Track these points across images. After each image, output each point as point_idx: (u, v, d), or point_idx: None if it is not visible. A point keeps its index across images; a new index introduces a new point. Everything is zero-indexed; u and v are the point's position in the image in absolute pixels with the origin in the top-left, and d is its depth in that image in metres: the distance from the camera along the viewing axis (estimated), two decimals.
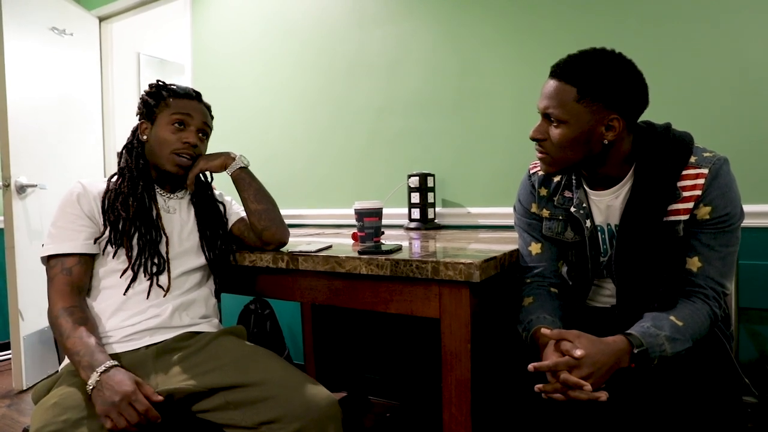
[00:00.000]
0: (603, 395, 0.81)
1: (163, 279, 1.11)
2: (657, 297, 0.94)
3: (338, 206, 2.13)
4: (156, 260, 1.10)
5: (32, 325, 2.30)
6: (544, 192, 1.10)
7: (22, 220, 2.26)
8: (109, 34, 2.87)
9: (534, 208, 1.12)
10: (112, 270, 1.09)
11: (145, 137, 1.16)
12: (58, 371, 1.05)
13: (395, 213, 1.90)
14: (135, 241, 1.09)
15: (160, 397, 0.92)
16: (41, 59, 2.41)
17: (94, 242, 1.07)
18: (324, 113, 2.16)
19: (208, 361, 1.04)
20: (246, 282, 1.29)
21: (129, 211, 1.08)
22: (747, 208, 0.98)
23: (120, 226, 1.08)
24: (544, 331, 0.92)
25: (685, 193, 0.91)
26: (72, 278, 1.04)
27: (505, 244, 1.23)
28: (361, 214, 1.25)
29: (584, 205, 1.02)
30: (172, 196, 1.20)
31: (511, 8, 1.73)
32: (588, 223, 1.02)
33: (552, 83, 0.93)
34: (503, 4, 1.74)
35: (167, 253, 1.13)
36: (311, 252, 1.13)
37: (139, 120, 1.18)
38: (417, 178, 1.74)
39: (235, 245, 1.26)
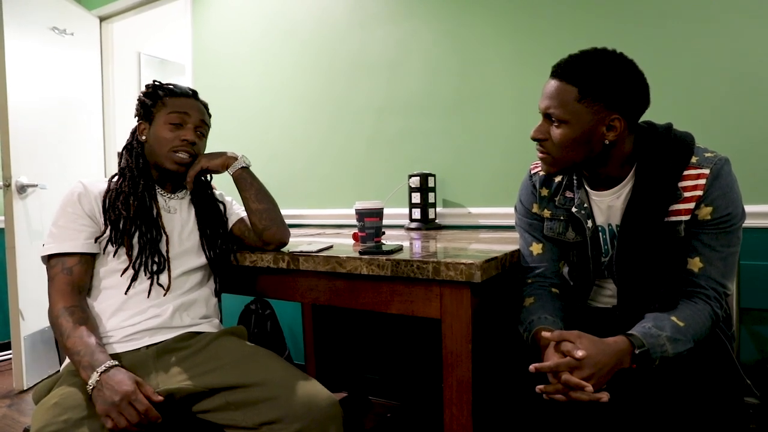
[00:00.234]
0: (604, 396, 0.81)
1: (164, 278, 1.11)
2: (658, 297, 0.94)
3: (339, 206, 2.13)
4: (156, 259, 1.10)
5: (33, 324, 2.30)
6: (545, 192, 1.10)
7: (22, 220, 2.26)
8: (109, 34, 2.87)
9: (535, 209, 1.12)
10: (112, 269, 1.09)
11: (143, 138, 1.17)
12: (58, 371, 1.05)
13: (396, 213, 1.90)
14: (135, 239, 1.09)
15: (161, 397, 0.92)
16: (42, 59, 2.41)
17: (95, 242, 1.07)
18: (324, 113, 2.16)
19: (209, 362, 1.04)
20: (247, 282, 1.29)
21: (130, 210, 1.08)
22: (748, 208, 0.98)
23: (120, 225, 1.08)
24: (545, 333, 0.91)
25: (687, 194, 0.91)
26: (72, 278, 1.04)
27: (506, 244, 1.23)
28: (361, 214, 1.25)
29: (585, 205, 1.02)
30: (172, 196, 1.20)
31: (511, 8, 1.73)
32: (589, 223, 1.02)
33: (553, 83, 0.93)
34: (503, 4, 1.74)
35: (167, 252, 1.13)
36: (312, 252, 1.13)
37: (138, 121, 1.18)
38: (418, 178, 1.74)
39: (235, 246, 1.26)
